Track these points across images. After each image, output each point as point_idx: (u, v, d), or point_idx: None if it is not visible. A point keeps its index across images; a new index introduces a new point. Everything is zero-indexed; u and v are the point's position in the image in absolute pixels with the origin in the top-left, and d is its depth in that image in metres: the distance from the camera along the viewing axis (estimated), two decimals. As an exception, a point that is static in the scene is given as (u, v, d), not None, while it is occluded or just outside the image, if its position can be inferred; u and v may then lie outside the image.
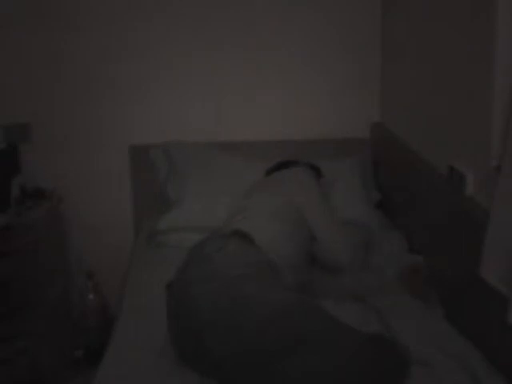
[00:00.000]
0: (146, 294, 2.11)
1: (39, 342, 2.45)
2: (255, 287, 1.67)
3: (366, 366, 1.52)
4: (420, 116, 2.45)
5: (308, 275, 2.10)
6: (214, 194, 2.63)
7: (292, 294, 1.72)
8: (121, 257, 2.83)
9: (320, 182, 2.45)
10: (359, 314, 1.86)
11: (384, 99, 2.95)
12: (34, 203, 2.65)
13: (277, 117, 2.96)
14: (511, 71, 1.72)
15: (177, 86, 2.90)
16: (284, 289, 1.75)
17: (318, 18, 2.89)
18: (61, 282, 2.82)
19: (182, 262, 1.84)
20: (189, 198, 2.65)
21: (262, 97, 2.93)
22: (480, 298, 1.81)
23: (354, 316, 1.81)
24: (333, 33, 2.91)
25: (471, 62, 1.92)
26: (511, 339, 1.63)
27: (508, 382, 1.61)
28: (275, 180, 2.33)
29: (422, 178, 2.35)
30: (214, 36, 2.86)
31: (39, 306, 2.47)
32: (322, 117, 2.98)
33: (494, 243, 1.63)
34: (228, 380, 1.60)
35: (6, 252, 2.36)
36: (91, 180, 2.93)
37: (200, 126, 2.92)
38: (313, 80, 2.95)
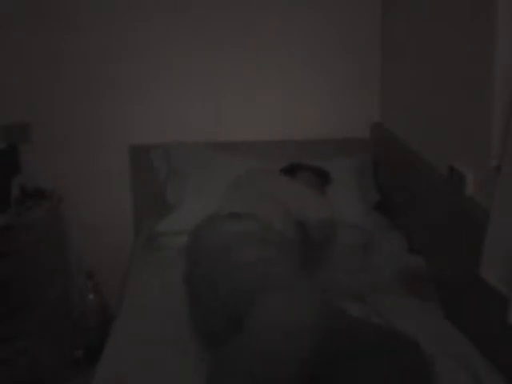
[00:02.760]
0: (146, 294, 2.12)
1: (39, 342, 2.45)
2: (280, 269, 1.69)
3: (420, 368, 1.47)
4: (420, 116, 2.45)
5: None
6: (213, 194, 2.62)
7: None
8: (121, 257, 2.83)
9: (325, 189, 2.50)
10: (359, 314, 1.86)
11: (384, 99, 2.95)
12: (34, 203, 2.65)
13: (277, 117, 2.96)
14: (511, 71, 1.72)
15: (177, 86, 2.90)
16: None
17: (318, 17, 2.89)
18: (61, 282, 2.82)
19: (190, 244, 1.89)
20: (189, 198, 2.65)
21: (261, 97, 2.93)
22: (480, 298, 1.81)
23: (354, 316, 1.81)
24: (333, 33, 2.91)
25: (471, 62, 1.92)
26: (511, 339, 1.63)
27: (508, 382, 1.61)
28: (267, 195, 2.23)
29: (422, 178, 2.35)
30: (214, 36, 2.86)
31: (39, 306, 2.47)
32: (322, 117, 2.98)
33: (494, 243, 1.63)
34: None
35: (6, 252, 2.35)
36: (91, 180, 2.93)
37: (200, 126, 2.92)
38: (313, 80, 2.95)
